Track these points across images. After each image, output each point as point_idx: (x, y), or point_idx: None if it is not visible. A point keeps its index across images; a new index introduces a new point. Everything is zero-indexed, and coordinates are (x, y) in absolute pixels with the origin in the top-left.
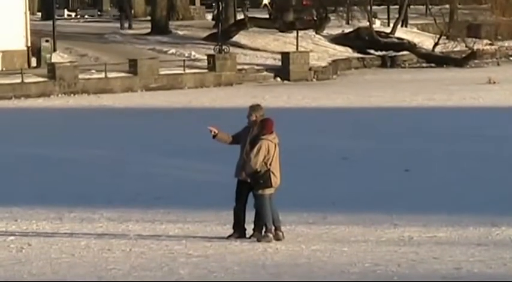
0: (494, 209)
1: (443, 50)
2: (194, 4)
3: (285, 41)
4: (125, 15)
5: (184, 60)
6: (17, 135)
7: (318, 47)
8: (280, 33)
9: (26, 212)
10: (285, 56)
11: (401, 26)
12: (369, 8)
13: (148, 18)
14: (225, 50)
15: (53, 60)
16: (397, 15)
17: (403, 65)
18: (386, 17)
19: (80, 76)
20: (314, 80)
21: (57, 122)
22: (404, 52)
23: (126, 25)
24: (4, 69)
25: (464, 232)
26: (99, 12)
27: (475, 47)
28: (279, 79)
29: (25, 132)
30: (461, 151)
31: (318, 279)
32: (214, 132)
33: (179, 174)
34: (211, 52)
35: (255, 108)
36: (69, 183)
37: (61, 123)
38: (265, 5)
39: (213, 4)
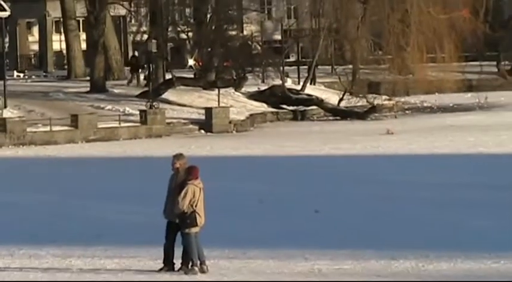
0: (393, 244)
1: (347, 105)
2: (128, 66)
3: (208, 98)
4: (136, 75)
5: (119, 115)
6: None
7: (237, 103)
8: (204, 91)
9: None
10: (208, 110)
11: (310, 84)
12: (281, 68)
13: (88, 78)
14: (155, 106)
15: (4, 116)
16: (306, 75)
17: (312, 118)
18: (297, 76)
19: (28, 129)
20: (234, 131)
21: (7, 171)
22: (313, 107)
23: (134, 82)
24: None
25: (367, 265)
26: (44, 73)
27: (375, 102)
28: (203, 131)
29: None
30: (364, 193)
31: None
32: None
33: (116, 216)
34: (143, 108)
35: (178, 156)
36: (18, 224)
37: (11, 171)
38: (191, 66)
39: (145, 66)
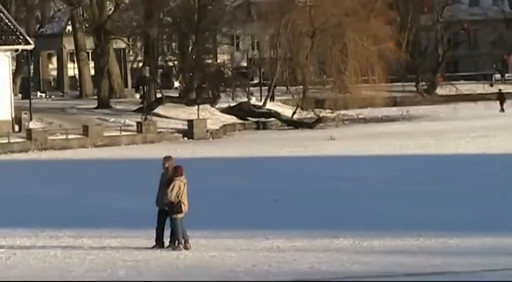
0: (335, 226)
1: (299, 117)
2: (127, 87)
3: (190, 112)
4: (145, 95)
5: (120, 126)
6: (3, 180)
7: (212, 116)
8: (187, 107)
9: (11, 232)
10: (190, 122)
11: (270, 100)
12: (247, 88)
13: (95, 97)
14: (149, 119)
15: (30, 127)
16: (267, 93)
17: (271, 128)
18: (259, 94)
19: (49, 138)
20: (210, 138)
21: (33, 170)
22: (272, 119)
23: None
24: None
25: (315, 242)
26: (61, 94)
27: (321, 115)
28: (186, 138)
29: (9, 178)
30: (313, 186)
31: (216, 277)
32: None
33: (119, 204)
34: (139, 120)
35: (167, 158)
36: (41, 211)
37: (36, 170)
38: (176, 87)
39: (140, 87)
